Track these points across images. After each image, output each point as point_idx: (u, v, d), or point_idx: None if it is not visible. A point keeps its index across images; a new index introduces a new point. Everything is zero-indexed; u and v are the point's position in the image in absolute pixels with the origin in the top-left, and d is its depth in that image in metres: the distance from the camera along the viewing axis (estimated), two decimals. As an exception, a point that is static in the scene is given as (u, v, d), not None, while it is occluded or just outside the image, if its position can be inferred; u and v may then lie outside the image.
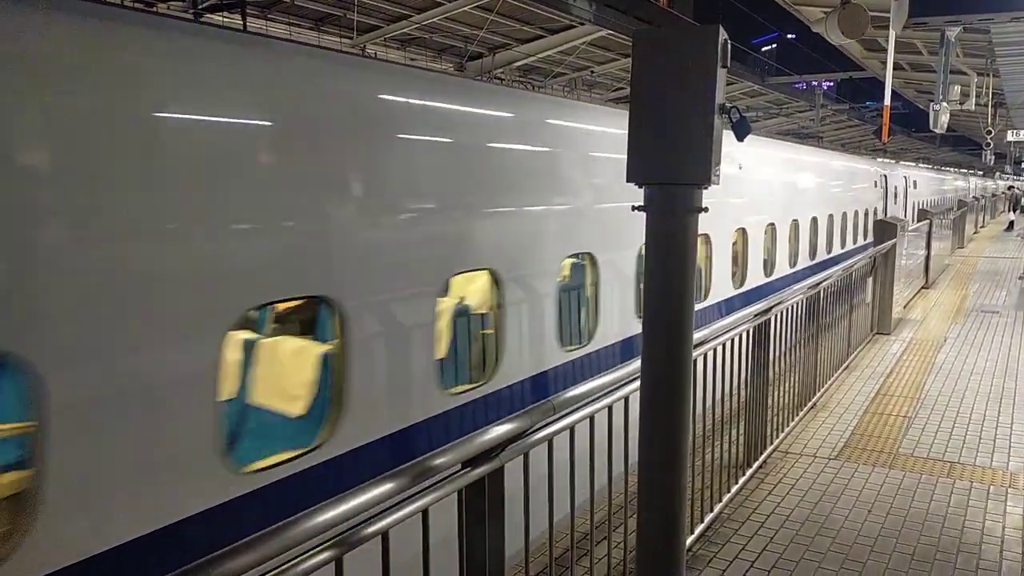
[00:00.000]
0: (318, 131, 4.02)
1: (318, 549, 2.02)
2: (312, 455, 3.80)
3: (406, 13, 12.17)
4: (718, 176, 2.62)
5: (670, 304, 2.74)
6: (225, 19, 10.74)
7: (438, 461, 2.41)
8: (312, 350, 4.22)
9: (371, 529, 2.16)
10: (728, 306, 8.92)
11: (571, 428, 3.06)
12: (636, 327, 6.76)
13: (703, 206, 2.69)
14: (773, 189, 11.52)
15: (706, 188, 2.65)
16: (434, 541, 2.41)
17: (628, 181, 2.70)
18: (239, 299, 3.49)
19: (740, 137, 2.65)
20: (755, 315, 4.99)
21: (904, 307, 11.25)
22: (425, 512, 2.35)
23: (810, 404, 6.55)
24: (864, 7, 7.26)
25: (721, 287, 8.94)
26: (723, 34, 2.55)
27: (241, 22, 10.40)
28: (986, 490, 5.01)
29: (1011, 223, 30.02)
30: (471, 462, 2.57)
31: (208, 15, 10.44)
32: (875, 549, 4.23)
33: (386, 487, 2.23)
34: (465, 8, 11.69)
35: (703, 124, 2.55)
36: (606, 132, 6.70)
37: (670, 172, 2.63)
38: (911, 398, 7.00)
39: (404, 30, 12.68)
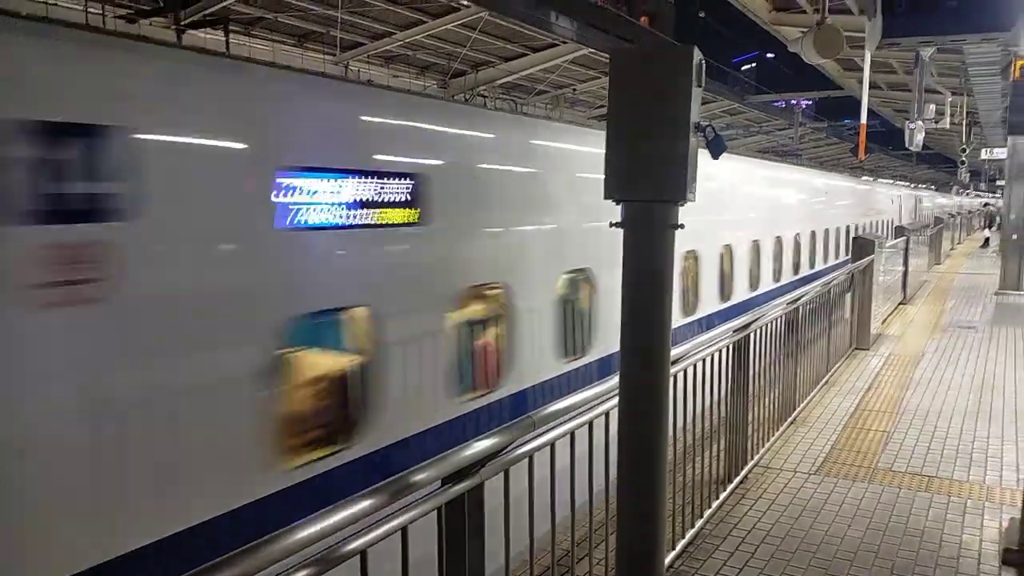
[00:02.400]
0: None
1: (295, 567, 2.00)
2: None
3: (389, 31, 12.23)
4: (694, 193, 2.66)
5: (647, 319, 2.76)
6: (208, 36, 10.74)
7: (417, 478, 2.40)
8: None
9: (349, 547, 2.15)
10: None
11: (551, 444, 3.06)
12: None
13: (679, 222, 2.72)
14: None
15: (682, 205, 2.68)
16: (413, 559, 2.39)
17: (605, 198, 2.73)
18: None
19: (715, 155, 2.69)
20: (734, 331, 5.02)
21: (882, 323, 11.36)
22: (404, 530, 2.34)
23: (790, 419, 6.58)
24: (839, 28, 7.40)
25: None
26: (698, 54, 2.60)
27: (224, 39, 10.41)
28: (963, 504, 5.05)
29: (987, 240, 30.48)
30: (450, 479, 2.56)
31: (191, 31, 10.44)
32: (855, 563, 4.24)
33: (364, 504, 2.21)
34: (448, 26, 11.77)
35: (679, 142, 2.59)
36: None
37: (647, 189, 2.66)
38: (890, 413, 7.06)
39: (387, 47, 12.73)
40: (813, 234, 14.64)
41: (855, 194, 20.91)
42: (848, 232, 17.46)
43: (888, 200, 25.14)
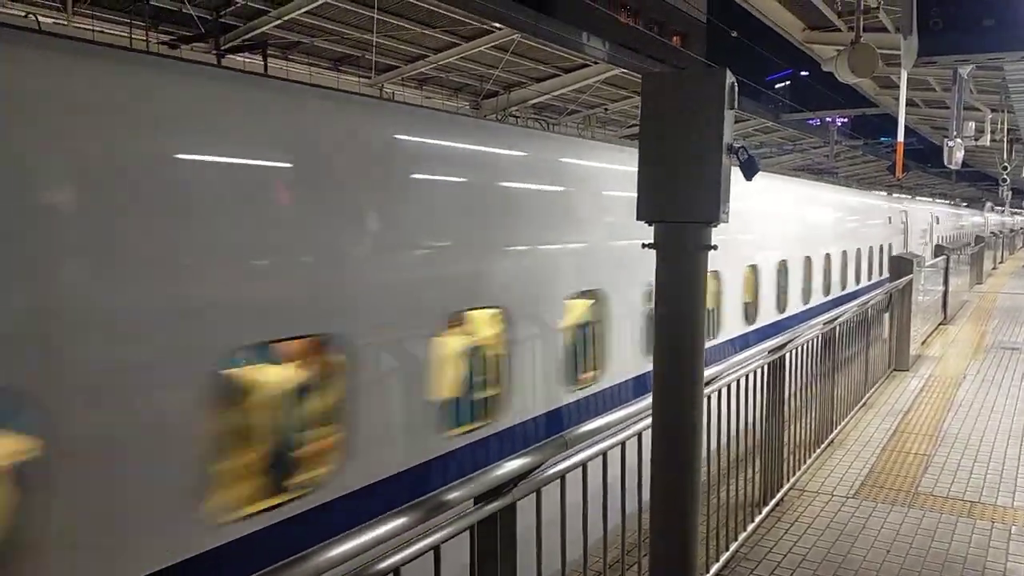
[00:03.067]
0: None
1: None
2: None
3: (423, 53, 12.44)
4: (727, 214, 2.66)
5: (681, 340, 2.76)
6: (247, 60, 11.01)
7: (450, 496, 2.42)
8: None
9: (382, 565, 2.16)
10: None
11: (584, 464, 3.05)
12: None
13: (712, 243, 2.72)
14: None
15: (715, 226, 2.69)
16: None
17: (638, 219, 2.74)
18: None
19: (748, 176, 2.69)
20: (769, 351, 4.97)
21: (922, 343, 11.13)
22: (437, 549, 2.35)
23: (827, 441, 6.47)
24: (873, 47, 7.34)
25: None
26: (730, 77, 2.61)
27: (262, 63, 10.66)
28: (1008, 530, 4.91)
29: None
30: (483, 498, 2.57)
31: (230, 56, 10.72)
32: (895, 590, 4.15)
33: (398, 522, 2.23)
34: (481, 48, 11.94)
35: (712, 163, 2.60)
36: None
37: (680, 210, 2.67)
38: (930, 436, 6.91)
39: (421, 70, 12.94)
40: None
41: (805, 204, 12.77)
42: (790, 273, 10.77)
43: (884, 218, 17.90)
